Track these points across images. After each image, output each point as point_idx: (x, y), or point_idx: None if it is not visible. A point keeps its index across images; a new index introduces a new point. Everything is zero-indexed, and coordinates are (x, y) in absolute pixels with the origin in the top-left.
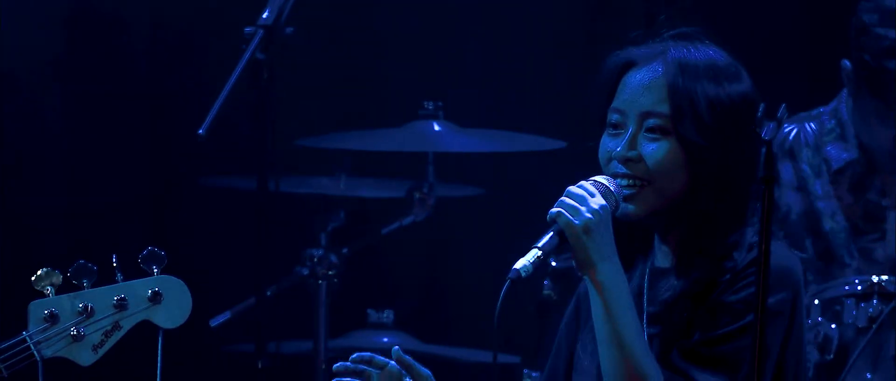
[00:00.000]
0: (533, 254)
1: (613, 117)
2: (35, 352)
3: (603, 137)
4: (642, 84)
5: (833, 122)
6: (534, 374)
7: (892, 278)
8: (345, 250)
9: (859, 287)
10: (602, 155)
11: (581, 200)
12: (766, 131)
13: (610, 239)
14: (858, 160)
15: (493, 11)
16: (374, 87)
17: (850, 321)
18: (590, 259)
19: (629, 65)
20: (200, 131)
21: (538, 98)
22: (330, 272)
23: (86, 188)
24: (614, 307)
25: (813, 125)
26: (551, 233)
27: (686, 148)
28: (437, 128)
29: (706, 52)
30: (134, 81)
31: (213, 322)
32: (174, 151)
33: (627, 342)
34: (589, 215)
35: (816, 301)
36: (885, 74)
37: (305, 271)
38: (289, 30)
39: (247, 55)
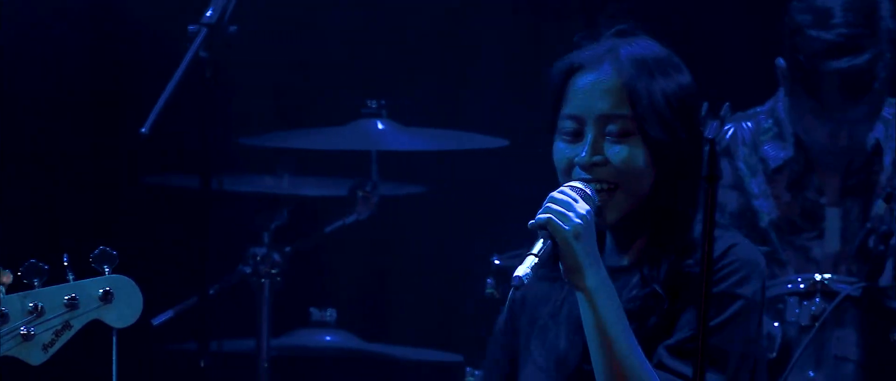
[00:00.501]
0: (530, 261)
1: (568, 124)
2: None
3: (557, 144)
4: (596, 87)
5: (770, 121)
6: (477, 373)
7: (835, 277)
8: (288, 249)
9: (802, 285)
10: (560, 163)
11: (568, 205)
12: (710, 130)
13: (595, 244)
14: (796, 159)
15: (437, 9)
16: (318, 85)
17: (792, 320)
18: (579, 265)
19: (576, 69)
20: (143, 130)
21: (482, 97)
22: (273, 271)
23: (28, 186)
24: (605, 312)
25: (749, 124)
26: (543, 239)
27: (650, 146)
28: (380, 126)
29: (651, 47)
30: (77, 78)
31: (156, 321)
32: (117, 150)
33: (621, 346)
34: (578, 221)
35: None
36: (818, 75)
37: (248, 270)
38: (232, 28)
39: (190, 54)
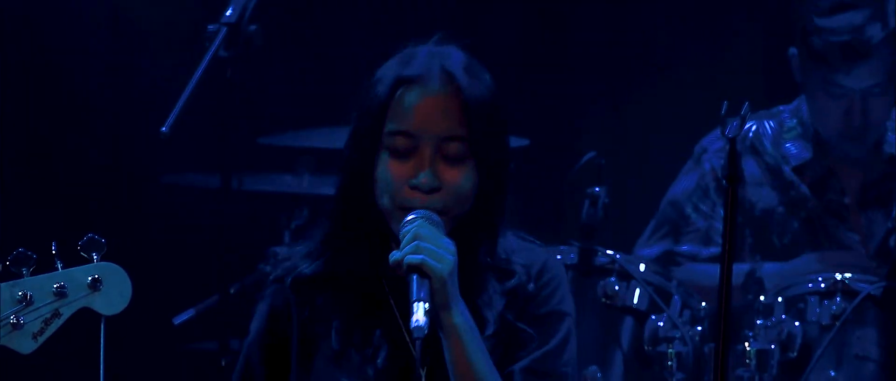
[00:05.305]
0: (423, 308)
1: (399, 141)
2: None
3: (383, 157)
4: (433, 105)
5: (794, 120)
6: None
7: (856, 276)
8: None
9: (823, 285)
10: (390, 181)
11: (437, 241)
12: (731, 129)
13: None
14: (818, 162)
15: (457, 7)
16: (337, 83)
17: (813, 319)
18: (447, 302)
19: (404, 81)
20: (163, 129)
21: (502, 96)
22: None
23: (47, 184)
24: (471, 350)
25: (772, 123)
26: (422, 282)
27: (481, 169)
28: None
29: (460, 56)
30: (96, 77)
31: (177, 320)
32: (137, 149)
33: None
34: (451, 258)
35: (780, 299)
36: (818, 35)
37: (268, 269)
38: (252, 28)
39: (210, 53)
